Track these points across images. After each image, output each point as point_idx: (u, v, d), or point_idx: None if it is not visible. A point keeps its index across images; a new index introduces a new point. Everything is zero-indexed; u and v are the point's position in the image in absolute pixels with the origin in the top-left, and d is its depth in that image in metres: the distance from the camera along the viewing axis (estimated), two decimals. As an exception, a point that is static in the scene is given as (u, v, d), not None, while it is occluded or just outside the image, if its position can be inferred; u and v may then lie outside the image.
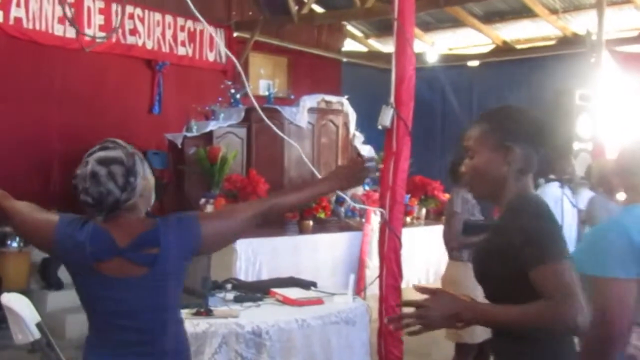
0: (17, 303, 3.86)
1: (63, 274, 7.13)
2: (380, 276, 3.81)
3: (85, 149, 2.26)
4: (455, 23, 11.16)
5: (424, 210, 8.70)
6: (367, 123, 8.88)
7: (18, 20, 7.69)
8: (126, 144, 2.29)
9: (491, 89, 11.34)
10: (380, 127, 3.87)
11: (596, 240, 2.32)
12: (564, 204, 6.03)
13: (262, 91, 10.04)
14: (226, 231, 2.36)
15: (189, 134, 7.57)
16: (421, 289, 1.96)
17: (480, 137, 2.05)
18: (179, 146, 7.48)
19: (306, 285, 4.16)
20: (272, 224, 6.69)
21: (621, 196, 4.98)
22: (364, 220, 7.54)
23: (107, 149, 2.22)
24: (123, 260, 2.18)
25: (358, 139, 8.91)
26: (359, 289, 7.10)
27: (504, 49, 11.45)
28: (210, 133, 7.59)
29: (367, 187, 7.85)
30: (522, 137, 1.99)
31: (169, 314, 2.28)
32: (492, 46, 11.61)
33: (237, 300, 3.79)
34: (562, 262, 1.82)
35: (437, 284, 7.84)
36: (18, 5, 7.68)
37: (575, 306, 1.74)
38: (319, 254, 7.07)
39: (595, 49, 6.96)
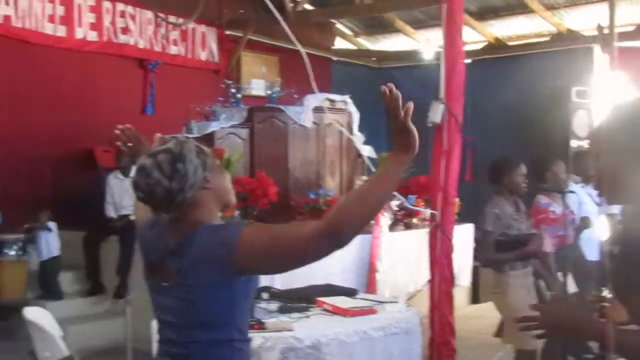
0: (43, 318, 3.58)
1: (64, 283, 6.78)
2: (432, 283, 3.59)
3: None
4: (448, 20, 10.97)
5: (429, 212, 8.45)
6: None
7: (7, 18, 7.37)
8: (184, 137, 2.11)
9: (485, 87, 11.19)
10: (430, 124, 3.66)
11: None
12: (587, 204, 5.91)
13: (256, 91, 9.78)
14: (268, 249, 1.91)
15: (190, 135, 7.26)
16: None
17: (609, 135, 1.85)
18: (181, 148, 7.15)
19: (349, 293, 3.93)
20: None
21: None
22: (373, 222, 7.30)
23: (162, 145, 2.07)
24: (166, 265, 2.01)
25: (359, 139, 8.65)
26: (370, 292, 6.89)
27: (497, 46, 11.33)
28: (212, 134, 7.30)
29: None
30: None
31: (204, 331, 1.99)
32: (485, 43, 11.48)
33: (282, 311, 3.54)
34: None
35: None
36: (7, 3, 7.34)
37: None
38: (329, 257, 6.81)
39: (606, 43, 6.82)
